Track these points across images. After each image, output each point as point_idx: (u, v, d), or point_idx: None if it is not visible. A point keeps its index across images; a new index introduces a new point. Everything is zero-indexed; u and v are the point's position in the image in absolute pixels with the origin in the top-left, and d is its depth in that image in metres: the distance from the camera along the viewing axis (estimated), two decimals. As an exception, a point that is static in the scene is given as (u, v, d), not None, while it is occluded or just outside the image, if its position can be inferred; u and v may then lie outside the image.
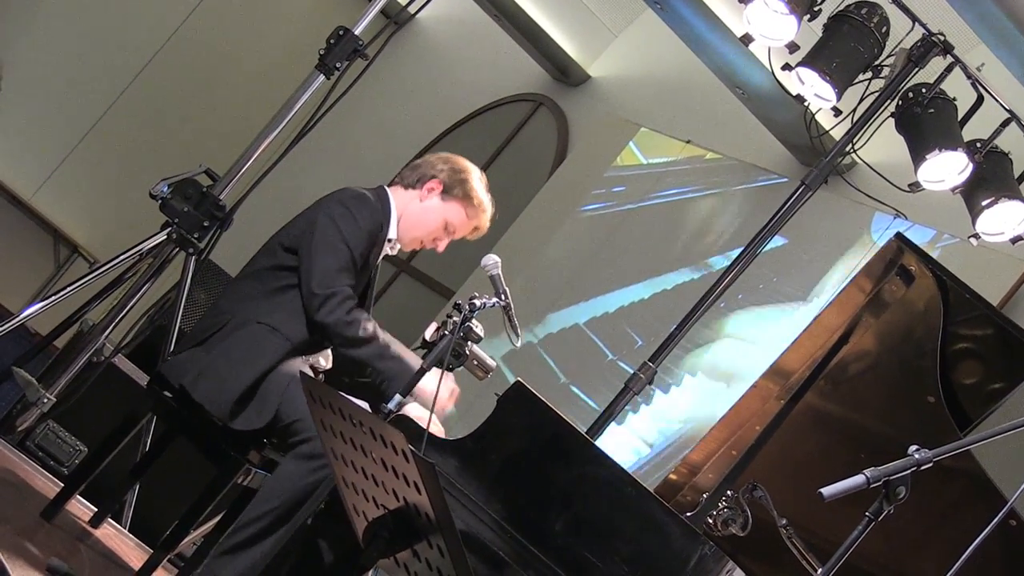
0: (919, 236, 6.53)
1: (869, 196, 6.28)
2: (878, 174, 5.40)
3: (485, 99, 9.65)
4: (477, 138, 9.23)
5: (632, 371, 5.01)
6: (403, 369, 4.11)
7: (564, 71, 9.23)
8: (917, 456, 2.75)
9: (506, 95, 9.58)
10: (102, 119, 9.92)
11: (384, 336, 4.18)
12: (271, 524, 3.93)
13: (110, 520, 4.62)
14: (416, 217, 4.46)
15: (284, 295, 4.27)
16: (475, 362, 4.13)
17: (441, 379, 3.87)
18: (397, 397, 3.87)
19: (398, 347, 4.18)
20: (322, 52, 4.74)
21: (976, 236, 5.27)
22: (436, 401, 3.82)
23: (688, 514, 3.94)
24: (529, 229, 8.45)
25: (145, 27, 10.00)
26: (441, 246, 4.52)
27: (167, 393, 4.22)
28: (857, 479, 2.71)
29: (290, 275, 4.28)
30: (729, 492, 3.93)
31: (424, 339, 4.12)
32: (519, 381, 3.68)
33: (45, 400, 4.63)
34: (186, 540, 4.66)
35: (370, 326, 4.17)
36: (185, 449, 4.38)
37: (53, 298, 4.66)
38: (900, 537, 4.02)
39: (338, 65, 4.73)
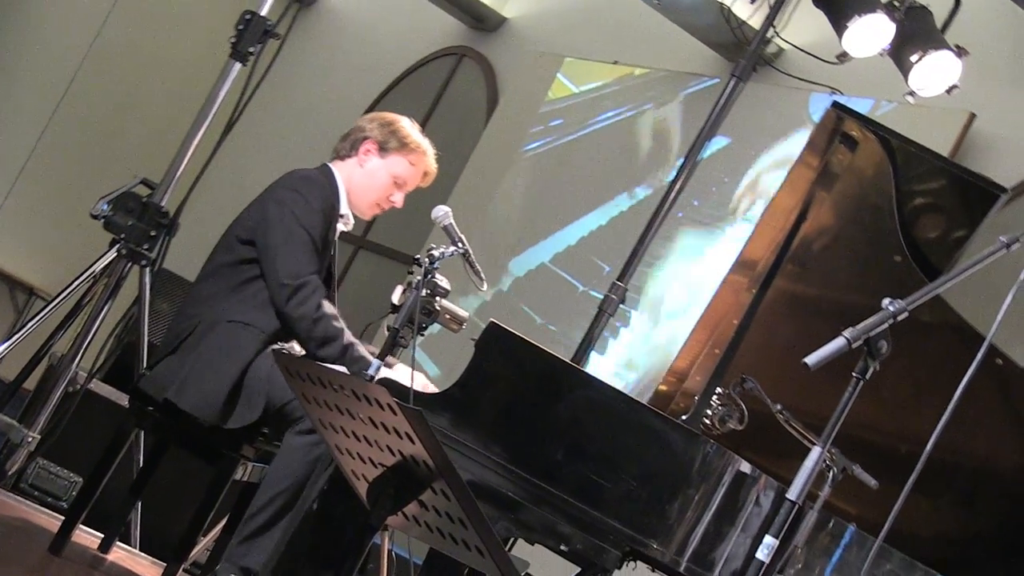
0: (857, 108, 6.53)
1: (802, 79, 6.30)
2: (805, 52, 5.41)
3: (407, 61, 9.61)
4: (407, 101, 9.18)
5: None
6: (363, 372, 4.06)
7: (479, 18, 9.19)
8: (892, 308, 2.76)
9: (427, 53, 9.54)
10: (31, 158, 9.85)
11: (349, 335, 4.15)
12: (283, 506, 3.96)
13: (119, 543, 4.61)
14: (363, 183, 4.42)
15: (249, 288, 4.24)
16: (447, 316, 4.11)
17: (413, 346, 3.83)
18: (376, 362, 3.87)
19: (361, 349, 4.15)
20: (233, 40, 4.71)
21: (912, 94, 5.29)
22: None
23: (683, 418, 3.96)
24: (476, 180, 8.43)
25: (53, 59, 9.92)
26: (398, 201, 4.48)
27: (150, 408, 4.21)
28: (838, 341, 2.73)
29: (251, 267, 4.25)
30: (720, 389, 3.94)
31: (392, 304, 4.09)
32: (492, 321, 3.68)
33: (30, 439, 4.61)
34: (198, 547, 4.66)
35: (337, 324, 4.14)
36: (178, 457, 4.38)
37: (15, 338, 4.63)
38: (893, 399, 4.05)
39: (251, 49, 4.69)
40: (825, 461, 3.45)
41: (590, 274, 7.51)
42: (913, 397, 4.06)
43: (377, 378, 3.77)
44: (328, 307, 4.17)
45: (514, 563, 2.52)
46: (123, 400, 5.19)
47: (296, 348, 4.40)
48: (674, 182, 5.10)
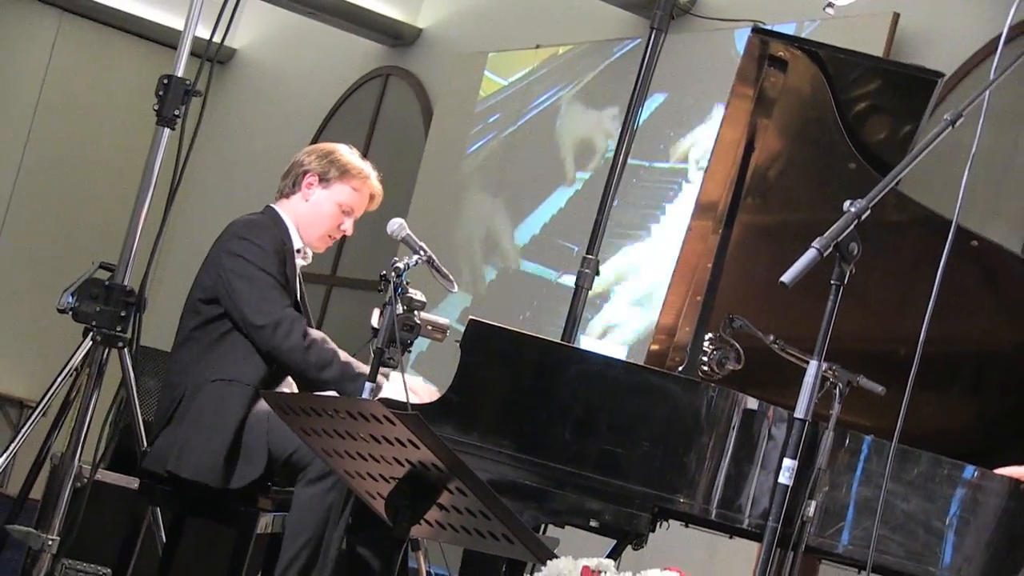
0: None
1: (722, 19, 6.33)
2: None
3: (335, 93, 9.64)
4: (344, 132, 9.20)
5: (580, 278, 5.01)
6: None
7: (395, 35, 9.22)
8: (854, 209, 2.77)
9: (352, 81, 9.56)
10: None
11: (343, 354, 4.16)
12: (310, 556, 3.95)
13: (160, 624, 4.60)
14: (310, 216, 4.42)
15: (224, 344, 4.24)
16: (429, 327, 4.10)
17: (402, 361, 3.83)
18: (368, 385, 3.87)
19: (359, 365, 4.16)
20: (156, 107, 4.69)
21: (831, 5, 5.28)
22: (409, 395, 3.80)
23: (679, 370, 3.97)
24: (429, 192, 8.45)
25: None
26: (348, 228, 4.48)
27: (158, 484, 4.21)
28: (809, 253, 2.74)
29: (220, 324, 4.25)
30: (710, 334, 3.95)
31: (373, 328, 4.09)
32: (472, 319, 3.69)
33: (50, 543, 4.60)
34: (239, 610, 4.65)
35: (328, 346, 4.14)
36: (199, 525, 4.37)
37: (9, 450, 4.63)
38: (881, 305, 4.07)
39: (176, 112, 4.68)
40: (828, 378, 3.48)
41: (561, 259, 7.51)
42: (900, 298, 4.08)
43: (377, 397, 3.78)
44: (314, 333, 4.17)
45: (545, 542, 2.52)
46: (132, 483, 5.18)
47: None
48: (619, 147, 5.09)
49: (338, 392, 4.11)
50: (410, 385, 4.02)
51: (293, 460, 4.04)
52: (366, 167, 4.46)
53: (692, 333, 4.08)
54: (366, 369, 4.10)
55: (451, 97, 8.63)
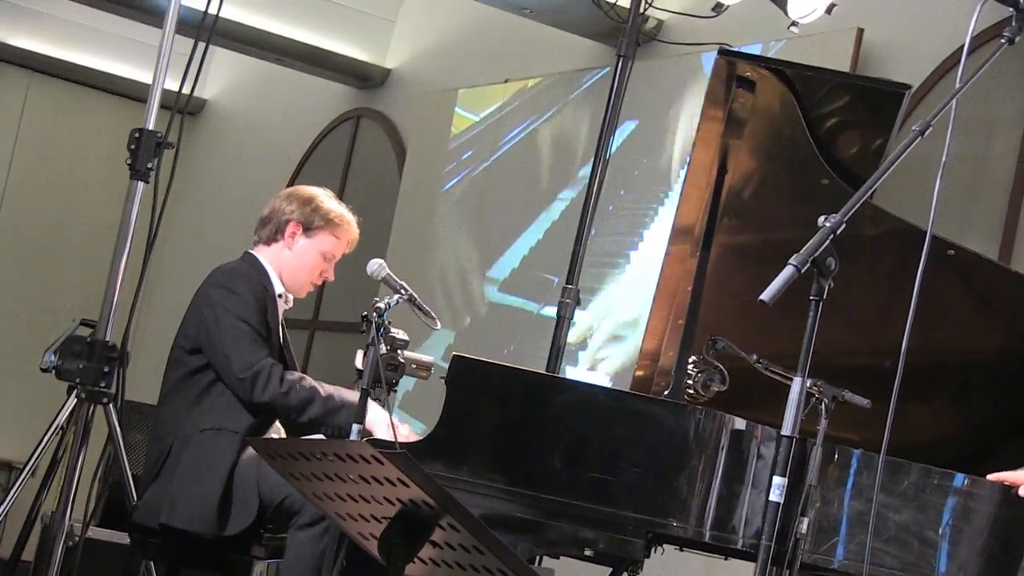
0: (749, 55, 6.57)
1: (688, 43, 6.36)
2: (682, 15, 5.45)
3: (308, 139, 9.66)
4: (318, 177, 9.20)
5: (561, 309, 5.01)
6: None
7: (364, 77, 9.25)
8: (828, 223, 2.78)
9: (324, 125, 9.58)
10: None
11: (324, 388, 4.17)
12: None
13: None
14: (294, 264, 4.44)
15: (211, 394, 4.25)
16: (414, 365, 4.11)
17: (388, 392, 3.84)
18: (356, 427, 3.87)
19: (343, 393, 4.17)
20: (129, 161, 4.70)
21: (795, 24, 5.31)
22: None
23: (665, 394, 3.97)
24: (406, 232, 8.45)
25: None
26: (329, 275, 4.51)
27: (150, 538, 4.20)
28: (787, 270, 2.75)
29: (205, 374, 4.26)
30: (693, 357, 3.96)
31: (357, 369, 4.10)
32: (456, 355, 3.69)
33: (44, 604, 4.58)
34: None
35: (306, 384, 4.15)
36: (194, 576, 4.37)
37: (0, 511, 4.61)
38: (865, 319, 4.08)
39: (149, 165, 4.69)
40: (814, 394, 3.49)
41: (541, 291, 7.51)
42: (881, 310, 4.09)
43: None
44: (292, 375, 4.19)
45: (540, 573, 2.52)
46: (124, 539, 5.15)
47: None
48: (592, 177, 5.10)
49: (326, 425, 4.13)
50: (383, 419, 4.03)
51: (285, 505, 4.05)
52: (347, 213, 4.49)
53: (676, 357, 4.09)
54: (350, 395, 4.13)
55: (423, 135, 8.64)
